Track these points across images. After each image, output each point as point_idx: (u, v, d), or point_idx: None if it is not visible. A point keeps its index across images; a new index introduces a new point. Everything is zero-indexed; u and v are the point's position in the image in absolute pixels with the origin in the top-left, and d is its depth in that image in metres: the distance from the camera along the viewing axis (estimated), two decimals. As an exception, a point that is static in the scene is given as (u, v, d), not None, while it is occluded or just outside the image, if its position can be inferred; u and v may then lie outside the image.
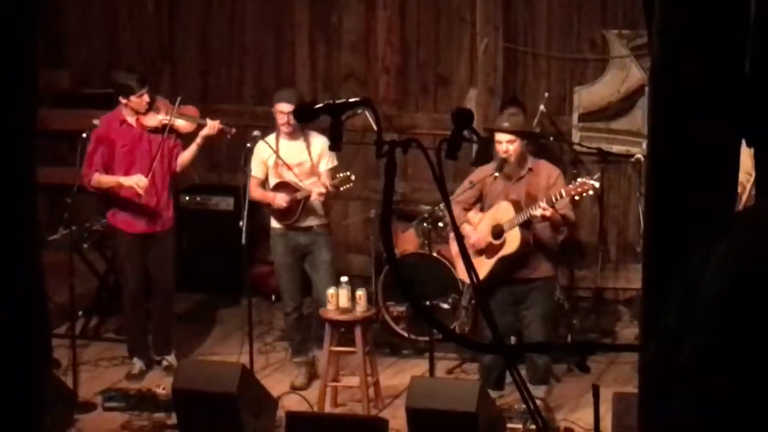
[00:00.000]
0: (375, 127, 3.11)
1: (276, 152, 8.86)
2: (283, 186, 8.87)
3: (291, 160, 8.88)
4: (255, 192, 8.87)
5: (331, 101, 3.15)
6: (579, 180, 8.27)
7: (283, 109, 8.74)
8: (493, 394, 8.08)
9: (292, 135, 8.88)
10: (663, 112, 3.52)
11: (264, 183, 8.96)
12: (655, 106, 3.63)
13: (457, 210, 8.25)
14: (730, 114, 3.30)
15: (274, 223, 9.01)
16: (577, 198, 8.19)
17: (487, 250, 8.33)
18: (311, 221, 8.95)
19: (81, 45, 11.64)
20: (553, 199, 8.08)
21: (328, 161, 8.89)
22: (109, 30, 11.62)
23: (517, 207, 8.23)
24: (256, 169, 8.91)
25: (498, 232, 8.26)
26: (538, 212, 8.11)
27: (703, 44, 3.29)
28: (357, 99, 3.13)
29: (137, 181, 8.79)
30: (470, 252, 7.98)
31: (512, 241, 8.24)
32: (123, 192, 8.91)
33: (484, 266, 8.23)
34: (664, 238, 3.79)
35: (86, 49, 11.62)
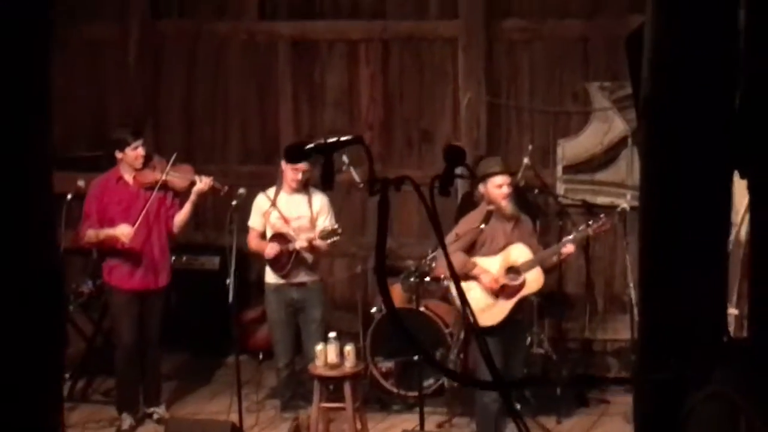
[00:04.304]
0: (367, 163, 3.08)
1: (274, 204, 8.95)
2: (277, 237, 8.96)
3: (290, 213, 9.01)
4: (253, 242, 9.12)
5: (323, 140, 3.12)
6: (597, 220, 8.63)
7: (300, 166, 8.80)
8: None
9: (296, 189, 8.96)
10: (654, 148, 3.52)
11: (263, 235, 9.09)
12: (647, 143, 3.63)
13: (459, 255, 8.16)
14: (721, 148, 3.30)
15: (269, 278, 9.07)
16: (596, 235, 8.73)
17: (506, 292, 8.27)
18: (304, 277, 9.03)
19: (65, 106, 11.60)
20: (577, 238, 8.44)
21: (326, 218, 8.95)
22: (92, 91, 11.59)
23: (532, 248, 8.30)
24: (256, 221, 9.11)
25: (514, 274, 8.27)
26: (566, 250, 8.45)
27: (692, 79, 3.30)
28: (348, 137, 3.10)
29: (122, 231, 8.79)
30: (486, 296, 8.03)
31: (534, 281, 8.32)
32: (110, 243, 8.87)
33: (503, 309, 8.25)
34: (659, 280, 3.77)
35: (70, 110, 11.58)
